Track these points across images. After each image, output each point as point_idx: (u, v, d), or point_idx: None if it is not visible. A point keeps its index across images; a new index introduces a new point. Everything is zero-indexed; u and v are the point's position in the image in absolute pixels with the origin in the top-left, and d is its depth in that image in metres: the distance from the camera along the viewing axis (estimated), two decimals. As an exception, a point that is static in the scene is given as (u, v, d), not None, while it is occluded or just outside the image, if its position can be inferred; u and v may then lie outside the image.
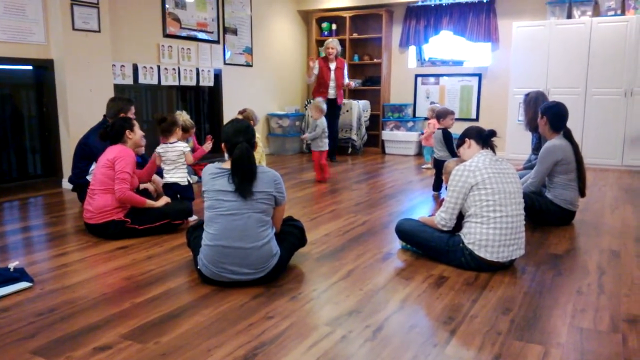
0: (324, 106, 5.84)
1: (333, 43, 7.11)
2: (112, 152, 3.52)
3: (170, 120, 4.06)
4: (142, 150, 4.34)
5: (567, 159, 3.74)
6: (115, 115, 4.09)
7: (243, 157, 2.55)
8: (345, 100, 8.06)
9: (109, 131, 3.59)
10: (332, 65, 7.11)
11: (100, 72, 5.38)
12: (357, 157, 7.92)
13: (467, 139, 3.02)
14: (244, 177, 2.54)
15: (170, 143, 3.99)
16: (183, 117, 5.11)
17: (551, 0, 7.02)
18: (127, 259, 3.09)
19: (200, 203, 2.90)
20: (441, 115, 5.08)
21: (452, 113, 5.14)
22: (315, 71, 7.06)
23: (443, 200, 3.00)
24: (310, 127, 5.86)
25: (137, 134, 3.68)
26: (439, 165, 4.95)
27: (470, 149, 3.00)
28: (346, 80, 7.26)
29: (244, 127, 2.67)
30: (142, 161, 4.20)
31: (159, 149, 4.04)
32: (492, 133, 2.99)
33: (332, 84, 7.10)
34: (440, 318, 2.28)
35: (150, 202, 3.66)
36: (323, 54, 7.44)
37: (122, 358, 1.93)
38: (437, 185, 5.09)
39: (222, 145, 2.70)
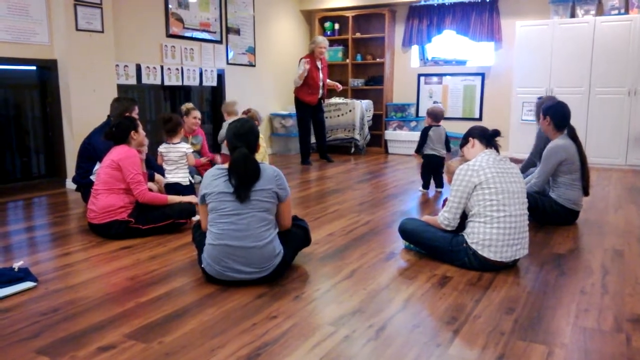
0: (236, 108, 5.56)
1: (325, 42, 6.95)
2: (116, 153, 3.52)
3: (175, 121, 4.08)
4: (145, 149, 4.35)
5: (571, 159, 3.73)
6: (119, 116, 4.10)
7: (239, 163, 2.54)
8: (348, 100, 8.07)
9: (115, 131, 3.59)
10: (319, 64, 6.96)
11: (104, 72, 5.40)
12: (360, 156, 7.92)
13: (471, 139, 3.01)
14: (241, 181, 2.54)
15: (174, 143, 4.00)
16: (187, 105, 5.24)
17: (554, -1, 7.02)
18: (130, 258, 3.10)
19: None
20: (441, 116, 5.09)
21: None
22: (305, 73, 6.77)
23: (446, 199, 2.99)
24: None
25: (140, 134, 3.68)
26: (441, 162, 4.96)
27: (474, 148, 2.99)
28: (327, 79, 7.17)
29: (245, 129, 2.65)
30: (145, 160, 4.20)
31: (161, 149, 4.05)
32: (496, 133, 2.98)
33: (320, 83, 6.96)
34: (444, 318, 2.27)
35: (172, 198, 3.68)
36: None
37: (126, 358, 1.93)
38: (426, 183, 5.12)
39: (225, 142, 2.70)
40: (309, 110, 7.00)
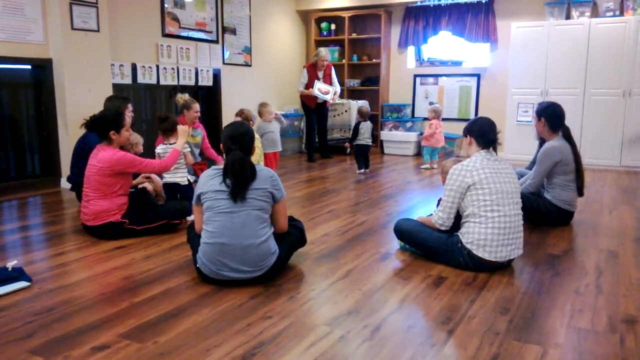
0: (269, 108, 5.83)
1: (328, 56, 7.51)
2: (103, 158, 3.40)
3: (172, 121, 4.06)
4: (141, 148, 4.33)
5: (565, 160, 3.75)
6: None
7: (234, 165, 2.56)
8: (344, 100, 8.08)
9: (105, 122, 3.44)
10: (320, 74, 7.38)
11: (99, 71, 5.38)
12: (356, 157, 7.92)
13: (469, 136, 2.99)
14: (236, 183, 2.56)
15: (170, 143, 3.99)
16: (184, 97, 5.20)
17: (550, 1, 7.03)
18: (125, 258, 3.09)
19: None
20: (367, 114, 6.40)
21: None
22: (305, 81, 7.37)
23: (440, 199, 3.00)
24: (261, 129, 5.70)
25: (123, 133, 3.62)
26: (368, 149, 6.35)
27: (470, 146, 2.99)
28: (336, 86, 7.51)
29: (240, 132, 2.66)
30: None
31: (158, 149, 4.03)
32: (495, 140, 2.95)
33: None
34: (439, 318, 2.28)
35: (179, 144, 3.82)
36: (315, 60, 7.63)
37: (120, 358, 1.93)
38: (361, 166, 6.35)
39: (221, 146, 2.72)
40: (311, 112, 7.55)
